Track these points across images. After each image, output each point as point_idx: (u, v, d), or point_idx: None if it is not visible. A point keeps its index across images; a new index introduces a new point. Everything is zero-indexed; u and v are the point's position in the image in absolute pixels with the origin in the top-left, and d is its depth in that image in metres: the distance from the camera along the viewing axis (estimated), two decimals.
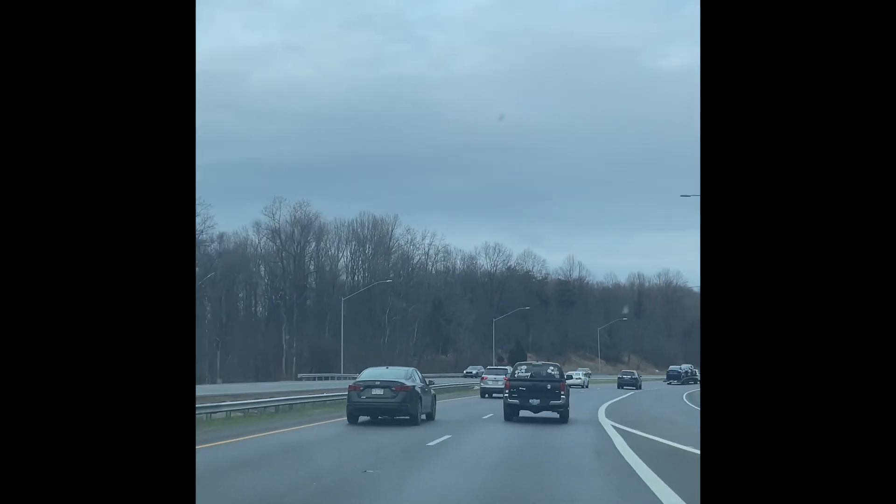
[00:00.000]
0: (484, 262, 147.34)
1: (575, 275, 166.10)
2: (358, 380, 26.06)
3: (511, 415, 27.78)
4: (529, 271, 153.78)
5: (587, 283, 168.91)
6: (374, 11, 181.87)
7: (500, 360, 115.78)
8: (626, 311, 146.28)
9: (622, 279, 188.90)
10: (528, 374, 28.83)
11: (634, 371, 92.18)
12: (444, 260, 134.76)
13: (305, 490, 11.59)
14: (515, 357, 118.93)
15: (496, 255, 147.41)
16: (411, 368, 29.18)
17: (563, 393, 27.51)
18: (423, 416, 25.38)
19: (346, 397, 26.58)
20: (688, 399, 52.05)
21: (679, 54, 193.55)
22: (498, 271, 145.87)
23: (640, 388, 76.66)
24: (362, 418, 24.98)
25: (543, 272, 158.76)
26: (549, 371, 28.88)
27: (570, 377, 45.56)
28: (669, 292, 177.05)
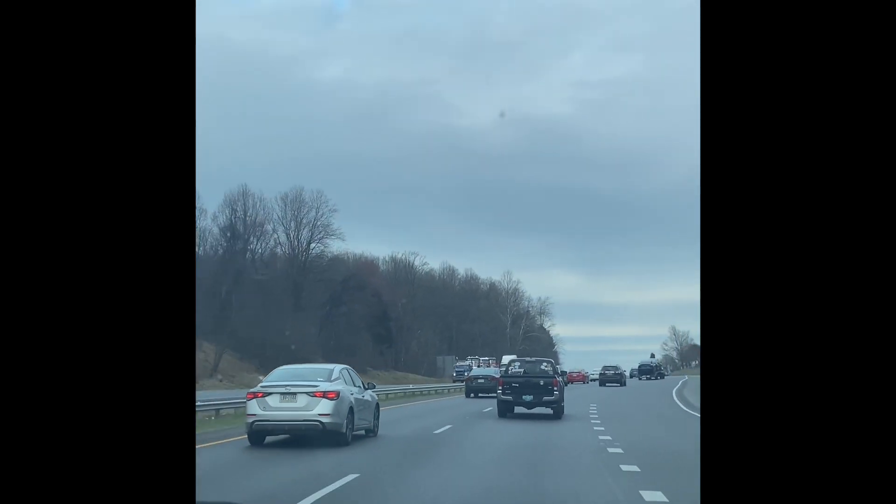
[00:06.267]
0: None
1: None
2: (469, 375, 47.33)
3: (505, 411, 28.21)
4: None
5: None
6: None
7: None
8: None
9: (354, 247, 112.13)
10: (522, 370, 29.48)
11: (619, 365, 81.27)
12: None
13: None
14: None
15: None
16: (496, 368, 50.53)
17: (556, 389, 27.83)
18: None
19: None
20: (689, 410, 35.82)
21: (334, 67, 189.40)
22: None
23: (624, 384, 72.30)
24: (472, 395, 45.29)
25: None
26: (542, 367, 29.52)
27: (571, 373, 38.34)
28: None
